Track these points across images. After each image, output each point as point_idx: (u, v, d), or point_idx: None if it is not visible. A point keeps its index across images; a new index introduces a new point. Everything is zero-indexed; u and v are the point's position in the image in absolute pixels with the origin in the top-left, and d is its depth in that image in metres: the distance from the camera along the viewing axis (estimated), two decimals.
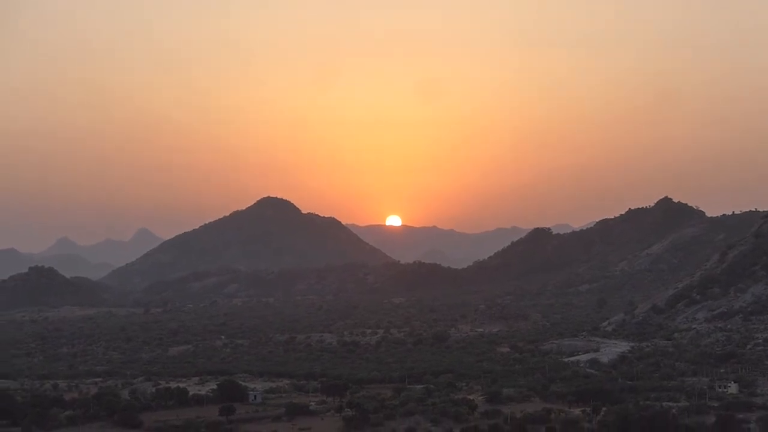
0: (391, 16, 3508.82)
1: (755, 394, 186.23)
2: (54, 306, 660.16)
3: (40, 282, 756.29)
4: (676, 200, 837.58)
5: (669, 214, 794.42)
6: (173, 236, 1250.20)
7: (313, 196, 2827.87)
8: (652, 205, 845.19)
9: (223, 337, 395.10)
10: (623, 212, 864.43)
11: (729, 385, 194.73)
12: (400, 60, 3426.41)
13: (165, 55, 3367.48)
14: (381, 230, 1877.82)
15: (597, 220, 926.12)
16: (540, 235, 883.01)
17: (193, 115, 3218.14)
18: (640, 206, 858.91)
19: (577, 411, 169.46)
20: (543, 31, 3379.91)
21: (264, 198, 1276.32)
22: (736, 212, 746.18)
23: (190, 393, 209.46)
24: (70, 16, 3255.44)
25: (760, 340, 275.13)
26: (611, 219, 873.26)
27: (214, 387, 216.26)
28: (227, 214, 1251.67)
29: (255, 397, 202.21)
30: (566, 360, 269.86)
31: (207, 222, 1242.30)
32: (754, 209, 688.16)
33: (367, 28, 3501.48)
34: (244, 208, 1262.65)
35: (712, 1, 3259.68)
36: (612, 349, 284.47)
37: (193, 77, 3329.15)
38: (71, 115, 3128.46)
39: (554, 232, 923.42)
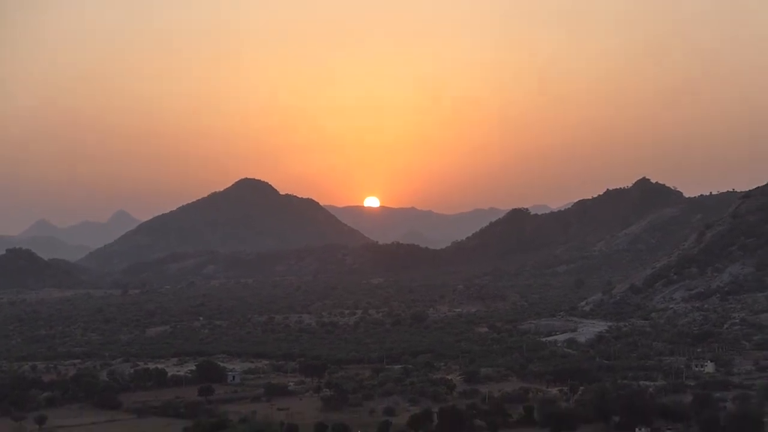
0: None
1: (732, 373, 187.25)
2: (32, 288, 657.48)
3: (18, 264, 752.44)
4: (654, 181, 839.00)
5: (647, 195, 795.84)
6: (151, 218, 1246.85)
7: (290, 178, 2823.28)
8: (630, 185, 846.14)
9: (201, 318, 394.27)
10: (601, 193, 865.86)
11: (706, 364, 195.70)
12: (380, 43, 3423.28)
13: (146, 38, 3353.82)
14: (359, 211, 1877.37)
15: (575, 201, 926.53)
16: (518, 215, 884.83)
17: (170, 97, 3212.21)
18: (618, 187, 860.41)
19: (554, 390, 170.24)
20: (523, 13, 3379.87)
21: (242, 179, 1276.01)
22: (713, 193, 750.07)
23: (169, 374, 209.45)
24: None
25: (737, 320, 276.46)
26: (589, 200, 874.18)
27: (193, 368, 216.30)
28: (205, 195, 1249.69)
29: (233, 377, 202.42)
30: (544, 340, 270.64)
31: (185, 204, 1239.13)
32: (731, 190, 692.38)
33: (345, 11, 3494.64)
34: (222, 189, 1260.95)
35: None
36: (590, 329, 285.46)
37: (173, 60, 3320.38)
38: (49, 98, 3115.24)
39: (532, 213, 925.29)
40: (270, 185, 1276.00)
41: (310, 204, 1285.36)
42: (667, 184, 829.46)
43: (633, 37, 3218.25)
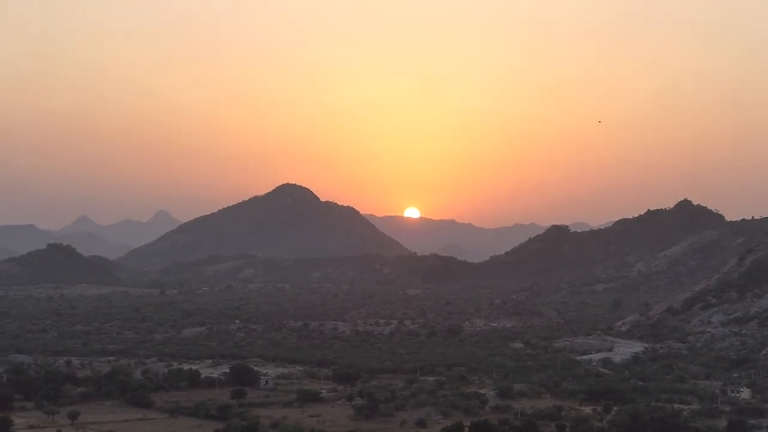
0: None
1: None
2: (70, 283, 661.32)
3: (58, 259, 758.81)
4: (695, 203, 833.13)
5: (688, 217, 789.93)
6: (192, 219, 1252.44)
7: (332, 185, 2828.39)
8: (672, 206, 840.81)
9: (237, 321, 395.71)
10: (642, 213, 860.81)
11: (742, 390, 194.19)
12: (424, 50, 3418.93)
13: (187, 40, 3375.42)
14: (399, 221, 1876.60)
15: (615, 220, 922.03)
16: (558, 232, 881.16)
17: (214, 101, 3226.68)
18: (659, 207, 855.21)
19: (587, 409, 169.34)
20: (560, 28, 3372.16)
21: (283, 184, 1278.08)
22: (755, 217, 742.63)
23: (202, 375, 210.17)
24: None
25: None
26: (630, 219, 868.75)
27: (227, 370, 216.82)
28: (246, 199, 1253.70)
29: (267, 381, 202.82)
30: (579, 358, 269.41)
31: (225, 206, 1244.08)
32: None
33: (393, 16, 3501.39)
34: (262, 194, 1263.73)
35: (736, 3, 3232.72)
36: (625, 349, 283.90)
37: (216, 63, 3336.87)
38: (96, 97, 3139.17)
39: (572, 230, 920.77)
40: (311, 191, 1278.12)
41: (350, 212, 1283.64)
42: (709, 207, 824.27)
43: (671, 54, 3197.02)
